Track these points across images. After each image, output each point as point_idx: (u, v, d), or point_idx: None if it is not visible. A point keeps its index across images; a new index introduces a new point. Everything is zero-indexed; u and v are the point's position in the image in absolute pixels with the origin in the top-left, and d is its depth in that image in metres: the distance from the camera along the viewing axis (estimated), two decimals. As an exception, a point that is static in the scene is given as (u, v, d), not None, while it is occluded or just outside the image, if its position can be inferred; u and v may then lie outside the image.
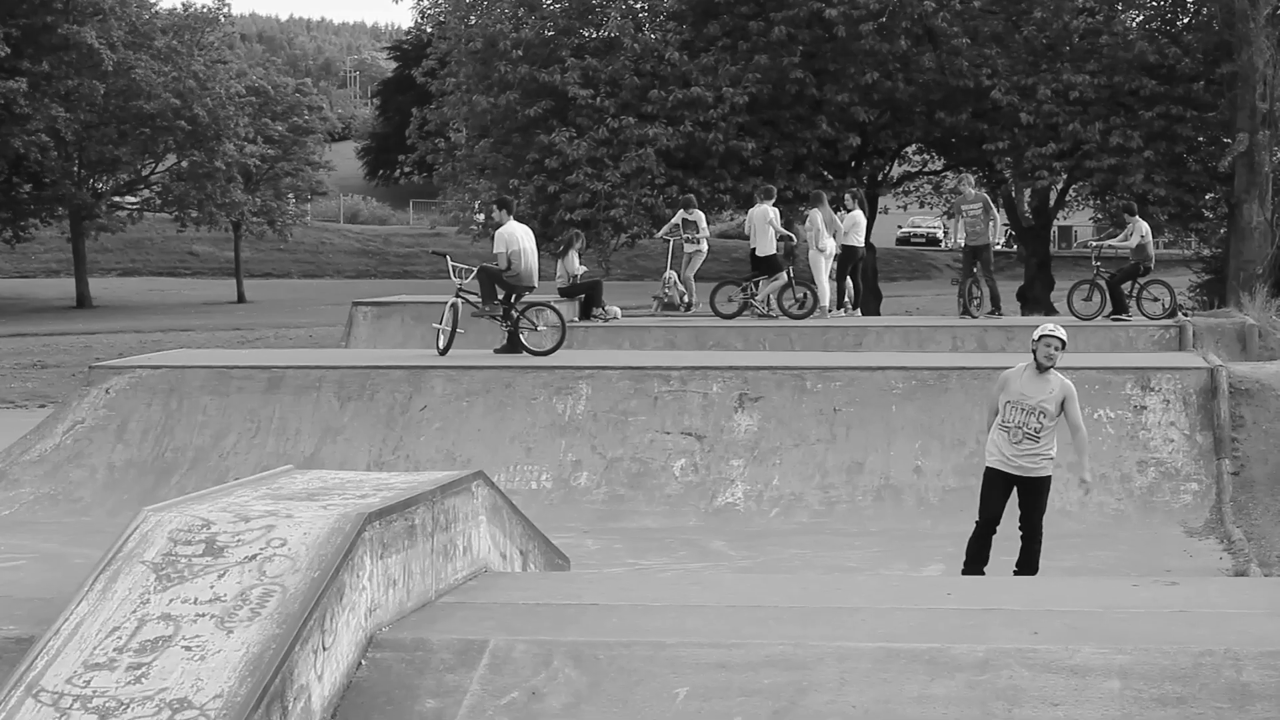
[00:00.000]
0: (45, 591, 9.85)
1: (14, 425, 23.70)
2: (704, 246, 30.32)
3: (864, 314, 30.94)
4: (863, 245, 29.79)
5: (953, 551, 15.45)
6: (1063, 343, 13.07)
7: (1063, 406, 13.09)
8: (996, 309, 27.75)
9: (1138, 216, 27.65)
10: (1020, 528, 13.40)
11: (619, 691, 8.53)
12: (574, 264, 28.62)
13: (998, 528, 13.37)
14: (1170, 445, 17.83)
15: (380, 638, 9.07)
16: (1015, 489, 13.30)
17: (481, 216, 50.15)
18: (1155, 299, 26.62)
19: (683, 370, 19.54)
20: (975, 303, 27.78)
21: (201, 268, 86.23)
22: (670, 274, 30.48)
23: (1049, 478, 13.31)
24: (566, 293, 28.16)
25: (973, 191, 29.20)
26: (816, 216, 28.54)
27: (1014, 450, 13.11)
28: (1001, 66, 47.21)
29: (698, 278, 30.64)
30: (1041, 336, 13.11)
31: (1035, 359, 13.13)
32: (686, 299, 30.01)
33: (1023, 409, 13.02)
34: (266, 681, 7.79)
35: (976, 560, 13.44)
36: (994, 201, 28.51)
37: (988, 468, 13.35)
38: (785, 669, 8.61)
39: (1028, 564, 13.36)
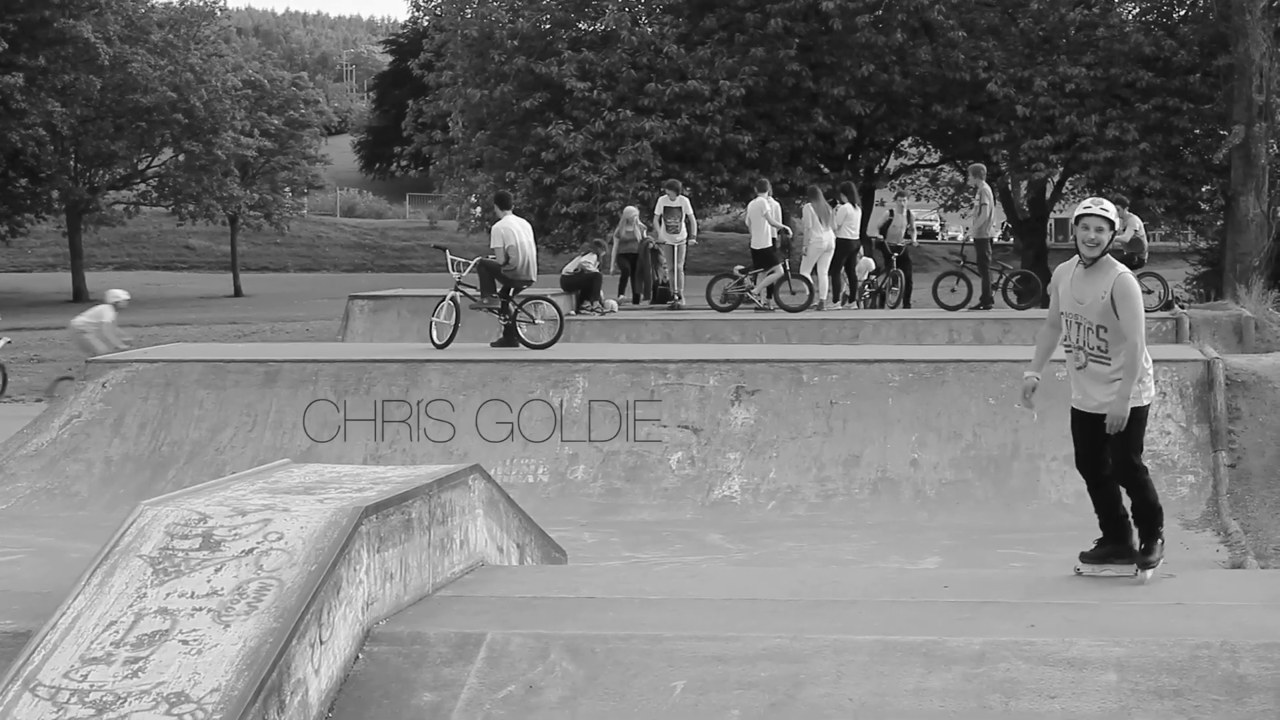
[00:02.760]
0: (42, 586, 9.85)
1: (10, 419, 23.67)
2: (685, 235, 29.85)
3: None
4: (856, 239, 29.77)
5: (949, 544, 15.50)
6: (1109, 222, 10.04)
7: (1115, 310, 9.98)
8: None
9: (1129, 210, 27.62)
10: (1113, 475, 10.40)
11: (616, 685, 8.53)
12: (589, 260, 28.63)
13: (1103, 471, 10.38)
14: (1167, 438, 17.83)
15: (377, 631, 9.07)
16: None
17: (479, 210, 50.19)
18: (1149, 291, 26.59)
19: (679, 364, 19.53)
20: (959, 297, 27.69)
21: (198, 262, 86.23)
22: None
23: (1135, 410, 10.09)
24: (566, 285, 28.16)
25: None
26: (809, 210, 28.52)
27: (1080, 377, 10.25)
28: (998, 59, 47.23)
29: (689, 270, 30.53)
30: (1080, 217, 10.18)
31: (1079, 250, 10.19)
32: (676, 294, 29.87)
33: (1079, 323, 10.12)
34: (264, 675, 7.79)
35: (1106, 515, 10.50)
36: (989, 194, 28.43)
37: (1072, 409, 10.46)
38: (782, 662, 8.61)
39: (1142, 508, 10.33)
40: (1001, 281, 26.80)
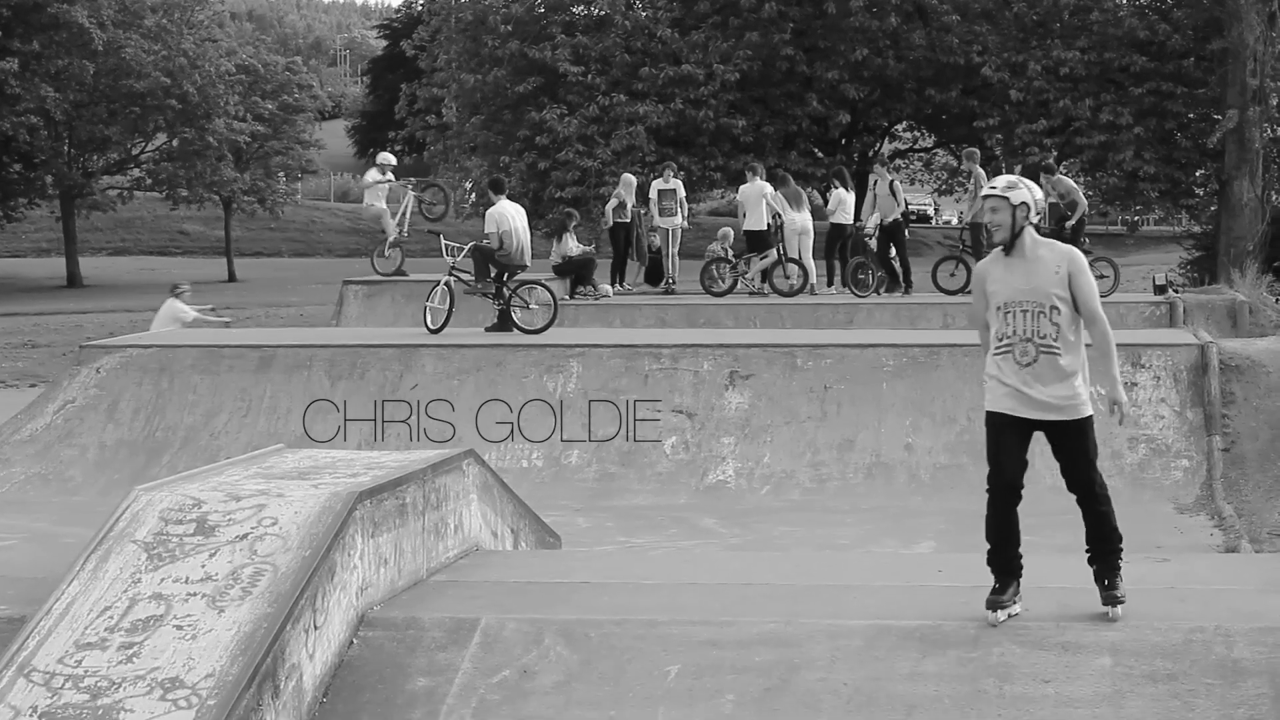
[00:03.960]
0: (36, 571, 9.84)
1: (5, 405, 23.66)
2: (679, 219, 29.80)
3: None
4: (851, 223, 29.71)
5: (944, 529, 15.49)
6: (1004, 200, 8.98)
7: (1072, 289, 8.93)
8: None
9: (1058, 175, 27.36)
10: (1071, 489, 9.24)
11: (610, 670, 8.53)
12: (568, 245, 28.59)
13: (1020, 494, 9.16)
14: (1161, 422, 17.84)
15: (372, 616, 9.07)
16: (1045, 436, 9.11)
17: (473, 197, 50.17)
18: (1103, 276, 26.38)
19: (673, 348, 19.53)
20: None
21: (192, 247, 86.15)
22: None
23: (1090, 418, 8.99)
24: (560, 270, 28.14)
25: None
26: (778, 195, 28.40)
27: (1024, 376, 8.90)
28: (992, 43, 47.23)
29: (683, 255, 30.46)
30: (985, 196, 9.21)
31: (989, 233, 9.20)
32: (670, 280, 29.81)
33: (1024, 311, 8.92)
34: (258, 660, 7.79)
35: (1002, 544, 9.08)
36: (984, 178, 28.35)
37: (988, 412, 9.10)
38: (777, 646, 8.61)
39: (1101, 536, 9.17)
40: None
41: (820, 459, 18.18)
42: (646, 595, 9.65)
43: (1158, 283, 28.68)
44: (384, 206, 28.09)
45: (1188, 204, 50.77)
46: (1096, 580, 8.99)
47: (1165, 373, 18.20)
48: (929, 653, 8.45)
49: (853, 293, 26.93)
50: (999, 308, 9.04)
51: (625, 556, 13.94)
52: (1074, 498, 9.28)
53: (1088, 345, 9.04)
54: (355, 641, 8.86)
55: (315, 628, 8.43)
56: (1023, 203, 9.00)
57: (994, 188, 9.08)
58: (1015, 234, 8.99)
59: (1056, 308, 8.87)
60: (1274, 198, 46.01)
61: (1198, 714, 7.91)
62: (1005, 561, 9.00)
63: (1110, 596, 8.88)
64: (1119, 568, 9.01)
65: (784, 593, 9.69)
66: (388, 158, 29.29)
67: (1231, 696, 7.99)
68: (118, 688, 7.65)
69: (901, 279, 27.70)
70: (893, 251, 28.25)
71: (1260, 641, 8.33)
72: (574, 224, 29.81)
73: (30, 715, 7.54)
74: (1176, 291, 28.93)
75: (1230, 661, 8.22)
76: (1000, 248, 9.09)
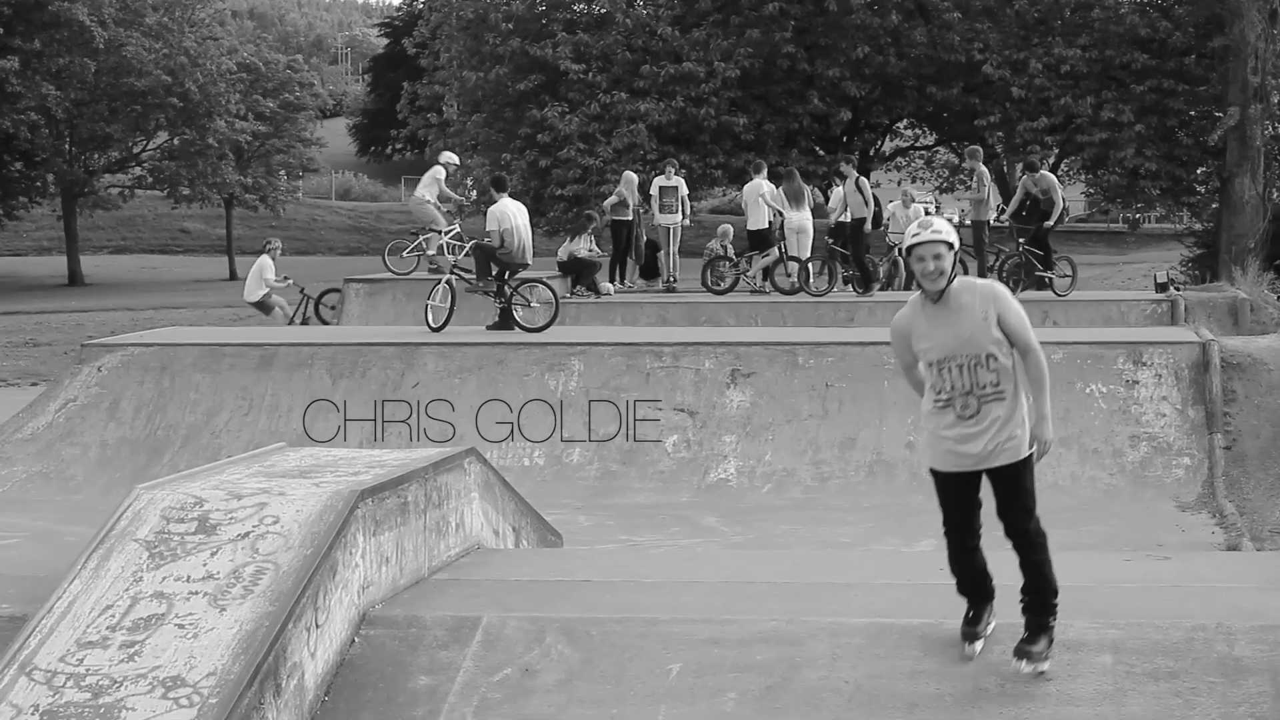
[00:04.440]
0: (38, 570, 9.84)
1: (6, 403, 23.67)
2: (680, 216, 29.74)
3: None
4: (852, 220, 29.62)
5: (945, 527, 15.45)
6: (948, 244, 8.29)
7: (1004, 327, 8.30)
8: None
9: (1042, 172, 27.22)
10: (1007, 535, 8.55)
11: (612, 668, 8.53)
12: (579, 245, 28.53)
13: (979, 535, 8.68)
14: (1162, 420, 17.84)
15: (373, 615, 9.07)
16: (989, 483, 8.53)
17: (475, 194, 50.16)
18: (1066, 275, 26.26)
19: (675, 346, 19.53)
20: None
21: (194, 245, 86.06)
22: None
23: (1028, 459, 8.42)
24: (564, 268, 28.13)
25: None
26: (779, 191, 28.26)
27: (966, 430, 8.39)
28: (993, 41, 47.23)
29: (683, 253, 30.44)
30: (911, 248, 8.36)
31: (919, 285, 8.45)
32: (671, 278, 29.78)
33: (960, 364, 8.33)
34: (260, 659, 7.79)
35: (971, 580, 8.72)
36: (987, 176, 28.36)
37: (932, 469, 8.72)
38: (778, 645, 8.61)
39: (1035, 587, 8.47)
40: (997, 264, 26.75)
41: (822, 457, 18.18)
42: (648, 593, 9.65)
43: (1159, 280, 28.64)
44: (438, 204, 28.01)
45: (1189, 201, 50.75)
46: (1025, 627, 8.39)
47: (1167, 370, 18.19)
48: (930, 651, 8.45)
49: (807, 292, 26.85)
50: (932, 364, 8.47)
51: (627, 555, 13.94)
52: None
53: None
54: (357, 640, 8.87)
55: (317, 626, 8.43)
56: (957, 244, 8.37)
57: (937, 232, 8.29)
58: (950, 282, 8.32)
59: (993, 355, 8.27)
60: (1275, 195, 46.00)
61: (1199, 712, 7.91)
62: (977, 590, 8.66)
63: (1024, 650, 8.27)
64: (1049, 627, 8.36)
65: (785, 591, 9.68)
66: (451, 158, 29.58)
67: (1233, 694, 7.99)
68: (119, 686, 7.66)
69: (863, 279, 27.48)
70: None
71: (1262, 639, 8.33)
72: (593, 226, 29.79)
73: (32, 714, 7.54)
74: (1178, 289, 28.92)
75: (1232, 659, 8.22)
76: (921, 295, 8.44)
